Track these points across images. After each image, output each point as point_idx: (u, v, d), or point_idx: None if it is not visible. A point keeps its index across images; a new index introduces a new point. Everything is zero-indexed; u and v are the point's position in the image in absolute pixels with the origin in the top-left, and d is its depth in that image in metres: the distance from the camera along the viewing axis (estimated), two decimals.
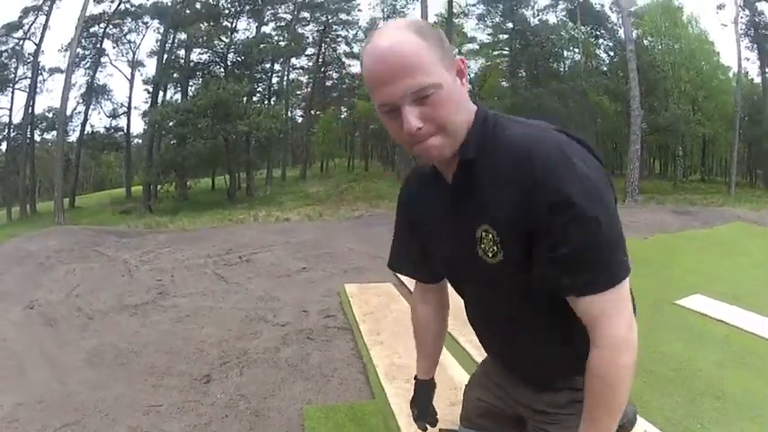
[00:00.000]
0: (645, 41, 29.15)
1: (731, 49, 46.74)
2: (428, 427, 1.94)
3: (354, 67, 41.09)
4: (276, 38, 31.87)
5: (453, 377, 3.05)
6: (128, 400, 3.52)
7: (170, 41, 29.10)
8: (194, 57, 28.72)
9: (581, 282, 1.18)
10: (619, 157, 29.42)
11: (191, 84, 29.04)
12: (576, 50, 31.73)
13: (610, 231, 1.15)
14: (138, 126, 67.56)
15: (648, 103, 25.53)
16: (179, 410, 3.33)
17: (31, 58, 30.88)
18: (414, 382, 1.91)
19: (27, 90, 31.19)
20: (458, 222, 1.35)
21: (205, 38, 25.96)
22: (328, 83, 41.06)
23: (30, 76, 31.04)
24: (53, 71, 32.76)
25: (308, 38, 35.76)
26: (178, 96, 29.44)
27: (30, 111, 31.33)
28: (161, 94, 30.14)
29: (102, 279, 7.06)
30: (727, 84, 29.59)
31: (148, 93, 31.30)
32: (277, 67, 32.57)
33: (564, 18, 32.83)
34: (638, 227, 9.59)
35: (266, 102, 29.95)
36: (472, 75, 35.69)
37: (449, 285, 1.69)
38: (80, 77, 31.77)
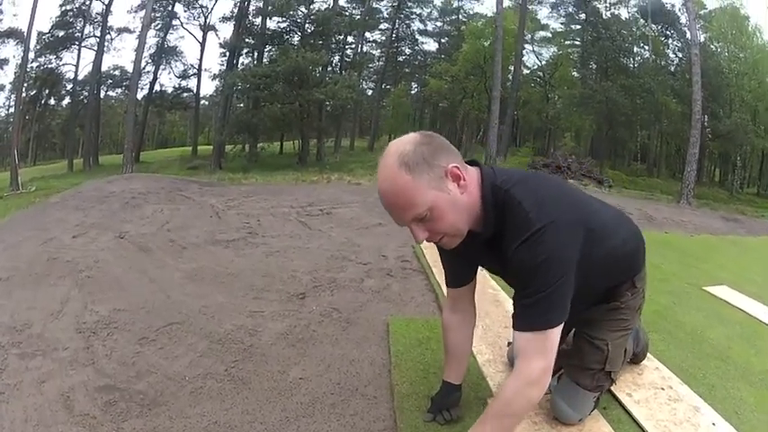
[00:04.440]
0: (712, 46, 28.56)
1: None
2: (434, 418, 2.34)
3: (427, 44, 41.05)
4: (351, 11, 31.98)
5: (509, 310, 3.56)
6: (231, 307, 3.89)
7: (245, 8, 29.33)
8: (271, 25, 28.77)
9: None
10: (681, 160, 29.00)
11: (266, 50, 29.13)
12: (646, 48, 31.28)
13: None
14: (206, 88, 68.10)
15: (711, 109, 25.21)
16: (280, 315, 3.71)
17: (99, 18, 31.72)
18: (442, 382, 2.39)
19: (94, 48, 32.06)
20: (492, 257, 1.93)
21: (284, 7, 25.95)
22: (401, 58, 40.84)
23: (96, 35, 31.95)
24: (121, 31, 33.73)
25: (381, 12, 35.80)
26: (252, 62, 29.61)
27: (98, 68, 32.24)
28: (236, 58, 30.48)
29: (192, 218, 7.38)
30: None
31: (224, 56, 31.97)
32: (350, 39, 32.78)
33: (635, 14, 32.37)
34: (687, 226, 9.86)
35: (340, 72, 29.83)
36: (543, 62, 35.56)
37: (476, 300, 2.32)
38: (150, 39, 32.27)
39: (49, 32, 31.50)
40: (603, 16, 31.97)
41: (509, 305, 3.63)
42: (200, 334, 3.41)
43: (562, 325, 1.78)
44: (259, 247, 5.78)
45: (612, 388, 2.55)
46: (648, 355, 2.90)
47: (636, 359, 2.79)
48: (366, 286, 4.39)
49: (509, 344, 2.86)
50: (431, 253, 5.16)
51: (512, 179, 1.81)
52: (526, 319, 1.78)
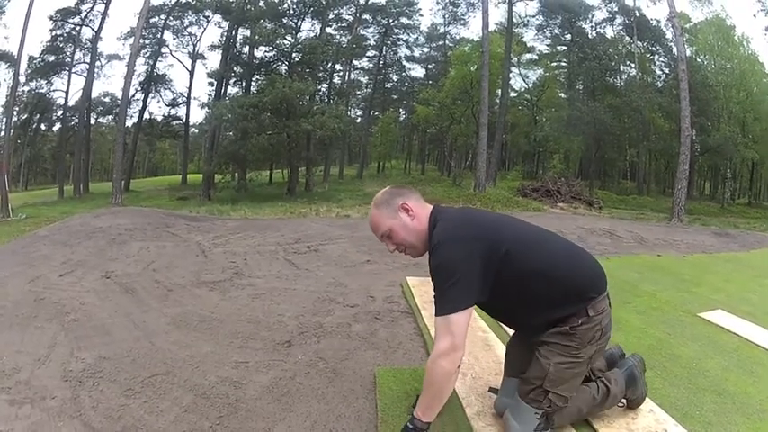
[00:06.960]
0: (698, 59, 28.69)
1: None
2: None
3: (414, 70, 41.29)
4: (338, 38, 32.04)
5: (499, 355, 3.41)
6: (216, 356, 3.78)
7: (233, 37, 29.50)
8: (258, 53, 29.03)
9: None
10: (671, 176, 29.09)
11: (254, 79, 29.35)
12: (632, 65, 31.50)
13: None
14: (196, 116, 68.02)
15: (699, 124, 25.25)
16: (265, 366, 3.61)
17: (89, 44, 32.01)
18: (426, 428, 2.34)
19: (84, 74, 32.31)
20: None
21: (270, 36, 26.07)
22: (388, 85, 41.20)
23: (86, 61, 32.26)
24: (111, 58, 34.16)
25: (368, 40, 36.05)
26: (240, 91, 29.84)
27: (87, 95, 32.37)
28: (224, 87, 30.51)
29: (178, 257, 7.32)
30: None
31: (212, 86, 32.06)
32: (338, 67, 32.85)
33: (621, 32, 32.67)
34: (680, 246, 9.86)
35: (328, 101, 30.01)
36: (530, 85, 35.74)
37: None
38: (140, 66, 32.47)
39: (39, 57, 31.73)
40: (589, 36, 32.24)
41: (500, 349, 3.58)
42: (184, 386, 3.32)
43: (465, 313, 2.26)
44: (245, 289, 5.70)
45: None
46: None
47: (632, 404, 2.79)
48: (353, 332, 4.31)
49: (490, 389, 2.87)
50: (419, 292, 5.15)
51: (444, 213, 2.57)
52: (436, 307, 2.31)
